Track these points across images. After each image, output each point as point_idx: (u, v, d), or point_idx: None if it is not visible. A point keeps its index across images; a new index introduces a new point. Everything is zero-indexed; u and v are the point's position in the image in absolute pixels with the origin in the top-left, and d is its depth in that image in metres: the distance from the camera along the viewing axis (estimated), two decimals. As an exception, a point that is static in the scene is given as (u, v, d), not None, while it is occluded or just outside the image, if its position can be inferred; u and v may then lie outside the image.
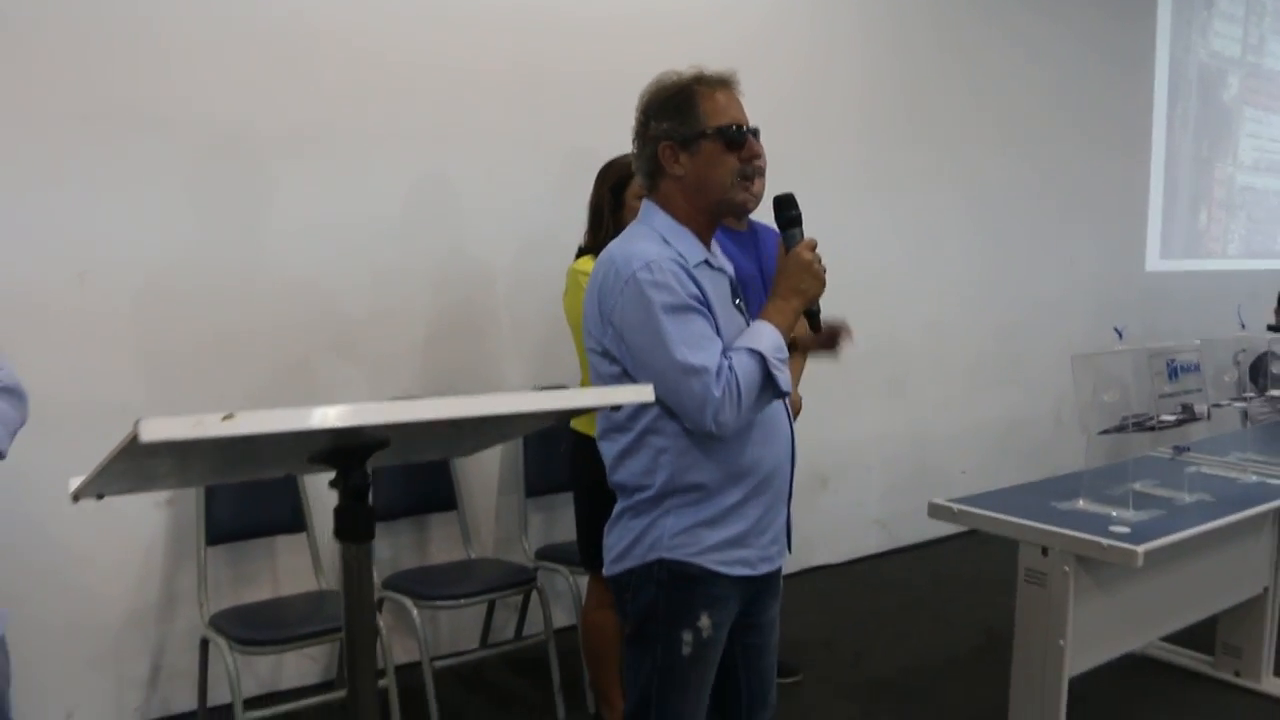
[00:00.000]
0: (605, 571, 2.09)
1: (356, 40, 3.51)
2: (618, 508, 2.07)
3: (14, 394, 1.43)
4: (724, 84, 2.00)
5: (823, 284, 1.99)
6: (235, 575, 3.39)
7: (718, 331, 1.91)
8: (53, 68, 3.02)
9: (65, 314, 3.07)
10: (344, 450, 1.12)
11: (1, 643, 1.58)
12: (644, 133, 2.02)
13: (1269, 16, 7.65)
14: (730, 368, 1.85)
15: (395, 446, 1.14)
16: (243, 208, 3.37)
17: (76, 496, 1.22)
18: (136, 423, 0.85)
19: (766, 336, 1.90)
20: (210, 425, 0.86)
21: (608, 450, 2.06)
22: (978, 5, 5.50)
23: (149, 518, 3.26)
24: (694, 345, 1.85)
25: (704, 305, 1.90)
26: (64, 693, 3.17)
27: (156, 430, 0.84)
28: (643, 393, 1.19)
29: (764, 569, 2.04)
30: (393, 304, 3.64)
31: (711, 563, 1.97)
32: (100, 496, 1.24)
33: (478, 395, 1.03)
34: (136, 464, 0.99)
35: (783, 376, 1.89)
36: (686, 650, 1.98)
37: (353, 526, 1.14)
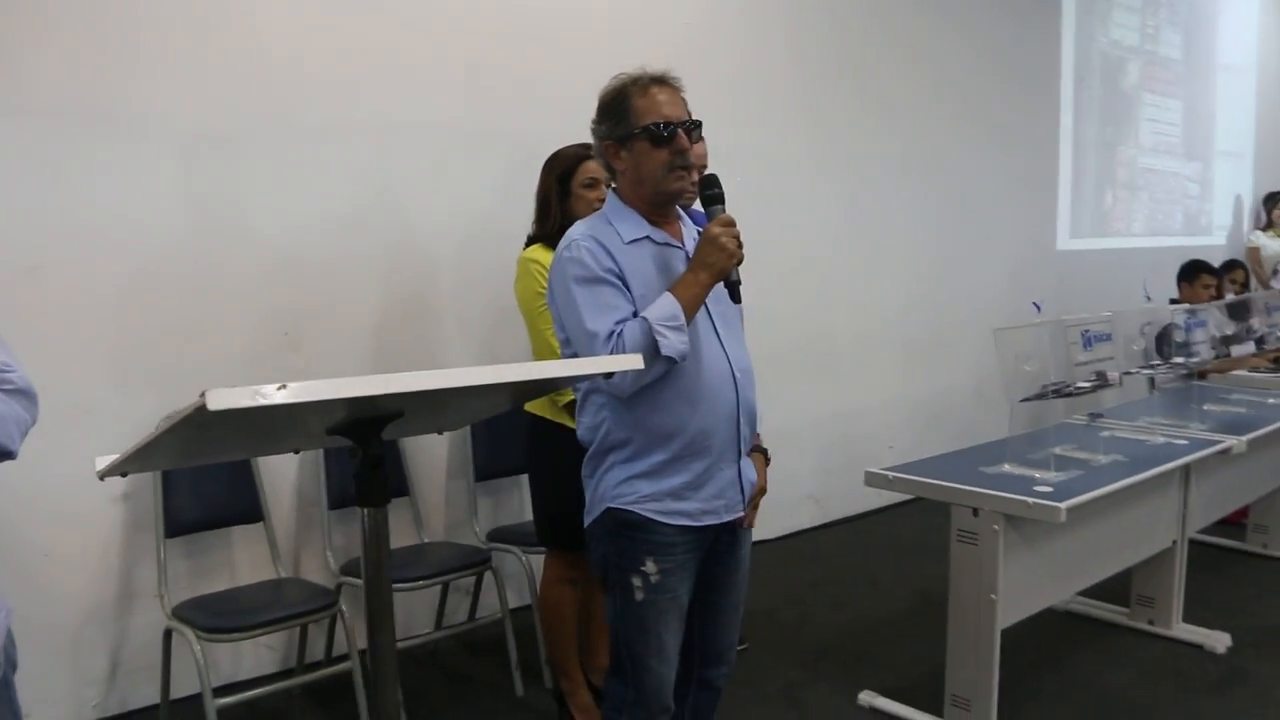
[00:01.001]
0: (585, 525, 2.25)
1: (302, 35, 3.55)
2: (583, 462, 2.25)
3: (26, 395, 1.50)
4: (658, 82, 2.16)
5: (731, 257, 2.08)
6: (192, 568, 3.43)
7: (635, 301, 2.08)
8: (12, 64, 3.03)
9: (18, 308, 3.07)
10: (362, 421, 1.22)
11: (9, 635, 1.66)
12: (594, 134, 2.23)
13: (1164, 7, 8.02)
14: (620, 334, 2.02)
15: (408, 417, 1.24)
16: (194, 202, 3.39)
17: (104, 475, 1.30)
18: (203, 393, 0.94)
19: (659, 306, 2.05)
20: (269, 394, 0.96)
21: (577, 407, 2.27)
22: (897, 14, 5.74)
23: (105, 513, 3.28)
24: (593, 312, 2.05)
25: (618, 278, 2.08)
26: (19, 693, 3.17)
27: (222, 399, 0.94)
28: (633, 361, 1.31)
29: (707, 521, 2.18)
30: (341, 292, 3.70)
31: (650, 511, 2.14)
32: (124, 474, 1.33)
33: (497, 365, 1.14)
34: (184, 437, 1.08)
35: (665, 342, 2.00)
36: (639, 595, 2.15)
37: (372, 491, 1.24)
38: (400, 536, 3.82)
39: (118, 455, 1.22)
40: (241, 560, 3.51)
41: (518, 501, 4.18)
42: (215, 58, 3.40)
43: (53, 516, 3.17)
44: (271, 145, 3.52)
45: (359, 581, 3.30)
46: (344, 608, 3.16)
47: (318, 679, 3.35)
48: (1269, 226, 8.61)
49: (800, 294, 5.29)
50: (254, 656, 3.59)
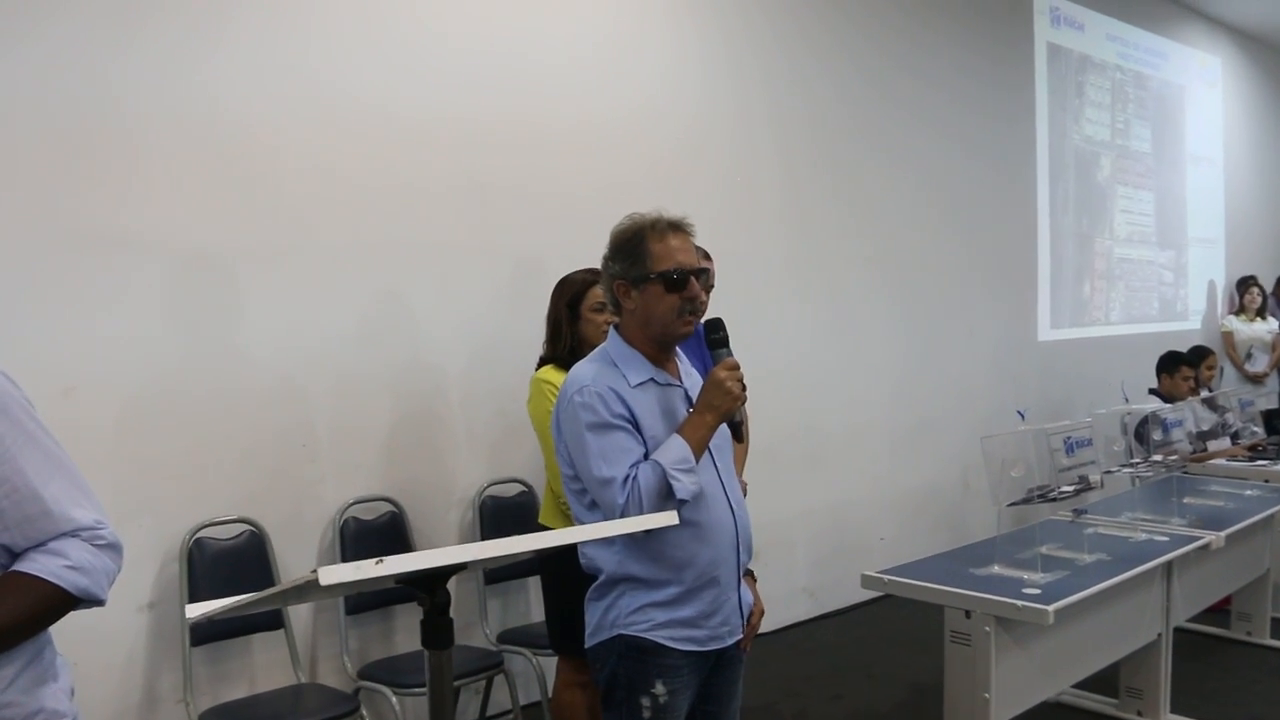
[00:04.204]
0: (586, 645, 2.38)
1: (312, 157, 3.74)
2: (591, 587, 2.37)
3: (114, 549, 1.67)
4: (674, 229, 2.30)
5: (736, 399, 2.26)
6: (213, 674, 3.53)
7: (645, 442, 2.23)
8: (36, 194, 3.20)
9: (53, 428, 3.20)
10: (430, 575, 1.38)
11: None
12: (605, 270, 2.36)
13: (1131, 104, 8.38)
14: (635, 478, 2.18)
15: (470, 566, 1.40)
16: (213, 323, 3.56)
17: (193, 622, 1.46)
18: (315, 570, 1.11)
19: (671, 450, 2.21)
20: (367, 569, 1.13)
21: None
22: (879, 117, 6.01)
23: (131, 622, 3.39)
24: (609, 459, 2.20)
25: (630, 422, 2.23)
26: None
27: (331, 575, 1.11)
28: (668, 518, 1.47)
29: (713, 646, 2.33)
30: (354, 410, 3.85)
31: (662, 638, 2.27)
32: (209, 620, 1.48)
33: (547, 533, 1.31)
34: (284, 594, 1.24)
35: (679, 485, 2.18)
36: (646, 714, 2.28)
37: (439, 637, 1.39)
38: (412, 640, 3.94)
39: (214, 605, 1.37)
40: (261, 666, 3.62)
41: (525, 603, 4.30)
42: (231, 184, 3.56)
43: (78, 627, 3.25)
44: (288, 267, 3.69)
45: (376, 686, 3.43)
46: (364, 713, 3.27)
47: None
48: (1241, 311, 8.90)
49: (789, 390, 5.46)
50: (270, 761, 3.67)
